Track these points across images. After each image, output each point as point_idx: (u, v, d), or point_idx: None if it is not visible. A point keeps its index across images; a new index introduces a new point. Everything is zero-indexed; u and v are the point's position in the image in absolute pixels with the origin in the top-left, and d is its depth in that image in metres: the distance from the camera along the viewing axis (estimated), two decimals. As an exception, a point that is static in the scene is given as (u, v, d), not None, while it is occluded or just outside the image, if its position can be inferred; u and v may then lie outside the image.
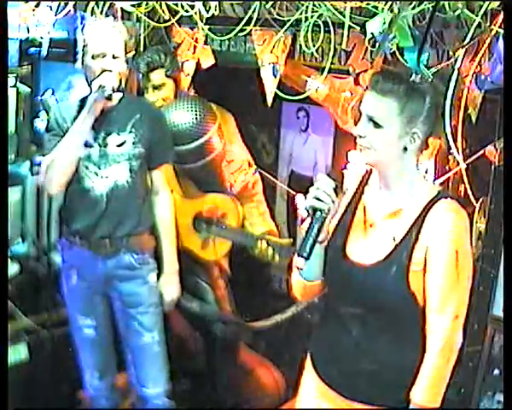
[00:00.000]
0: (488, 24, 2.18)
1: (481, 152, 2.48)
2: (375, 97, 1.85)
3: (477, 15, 2.19)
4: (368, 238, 1.96)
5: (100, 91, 2.62)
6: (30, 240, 3.72)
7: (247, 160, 3.45)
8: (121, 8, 3.21)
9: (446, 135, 2.37)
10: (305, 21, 2.67)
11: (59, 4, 3.34)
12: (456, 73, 2.31)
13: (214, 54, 3.28)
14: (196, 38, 3.30)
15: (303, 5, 2.66)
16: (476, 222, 2.56)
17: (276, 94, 3.00)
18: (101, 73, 2.64)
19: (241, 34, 2.91)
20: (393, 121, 1.83)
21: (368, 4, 2.39)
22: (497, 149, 2.42)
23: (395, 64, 2.47)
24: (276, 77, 3.00)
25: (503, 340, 2.20)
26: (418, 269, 1.87)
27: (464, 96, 2.38)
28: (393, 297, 1.89)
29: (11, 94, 3.62)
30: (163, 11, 3.09)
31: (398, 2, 2.26)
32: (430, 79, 1.87)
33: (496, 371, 2.62)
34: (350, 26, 2.50)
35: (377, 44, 2.42)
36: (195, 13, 2.87)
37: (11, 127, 3.67)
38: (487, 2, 2.12)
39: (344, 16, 2.48)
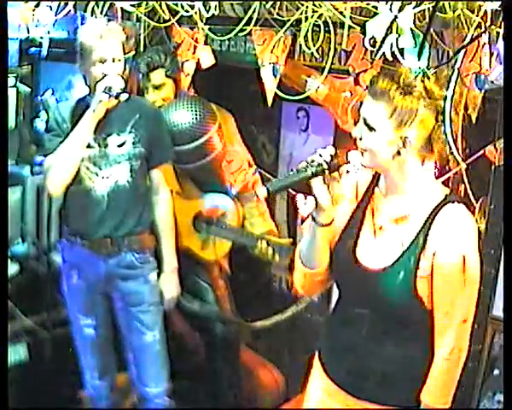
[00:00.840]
0: (488, 24, 2.17)
1: (481, 152, 2.48)
2: (369, 100, 1.84)
3: (477, 15, 2.18)
4: (377, 241, 1.96)
5: (106, 92, 2.62)
6: (30, 240, 3.72)
7: (247, 160, 3.45)
8: (121, 8, 3.21)
9: (446, 135, 2.37)
10: (305, 21, 2.66)
11: (59, 4, 3.33)
12: (456, 73, 2.31)
13: (214, 54, 3.28)
14: (196, 38, 3.29)
15: (303, 5, 2.65)
16: (476, 222, 2.56)
17: (276, 94, 3.00)
18: (103, 77, 2.65)
19: (241, 34, 2.90)
20: (384, 125, 1.81)
21: (368, 4, 2.39)
22: (497, 149, 2.42)
23: (395, 64, 2.47)
24: (276, 77, 2.99)
25: (503, 340, 2.20)
26: (426, 274, 1.86)
27: (464, 96, 2.38)
28: (401, 301, 1.89)
29: (11, 94, 3.62)
30: (163, 11, 3.08)
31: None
32: (426, 83, 1.85)
33: (496, 371, 2.62)
34: (350, 26, 2.49)
35: (377, 45, 2.42)
36: (195, 13, 2.86)
37: (11, 127, 3.67)
38: (487, 2, 2.12)
39: (344, 16, 2.48)
